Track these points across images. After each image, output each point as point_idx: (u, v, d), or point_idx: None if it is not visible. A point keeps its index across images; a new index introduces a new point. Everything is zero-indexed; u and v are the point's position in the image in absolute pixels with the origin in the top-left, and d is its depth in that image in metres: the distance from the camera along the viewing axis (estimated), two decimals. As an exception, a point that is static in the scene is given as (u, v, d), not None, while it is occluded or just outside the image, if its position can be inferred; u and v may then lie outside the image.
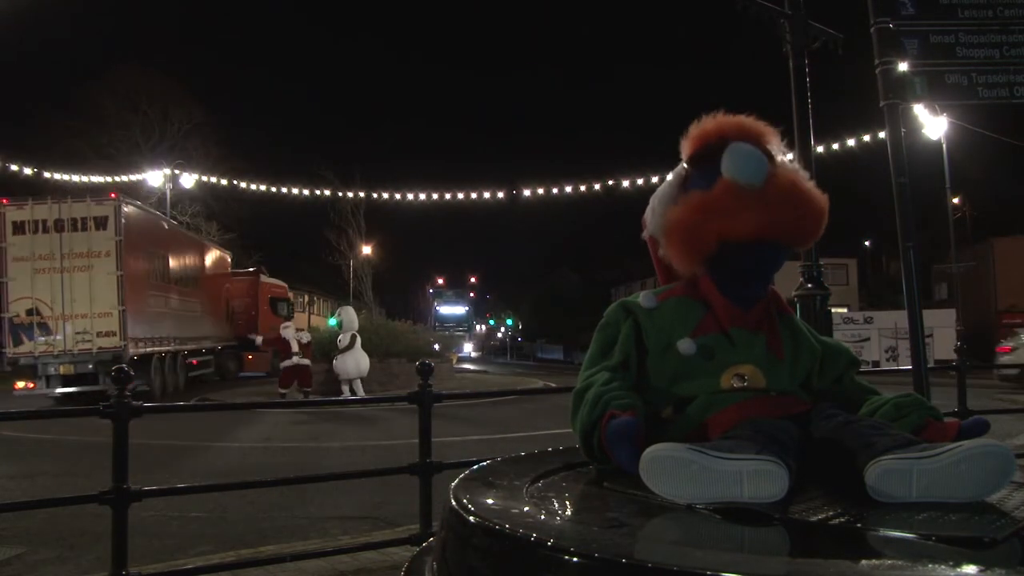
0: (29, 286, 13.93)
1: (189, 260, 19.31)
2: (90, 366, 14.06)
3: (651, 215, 1.71)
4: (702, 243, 1.53)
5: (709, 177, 1.56)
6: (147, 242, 16.05)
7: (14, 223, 13.85)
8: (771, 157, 1.60)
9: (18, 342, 13.96)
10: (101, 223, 14.08)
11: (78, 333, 14.02)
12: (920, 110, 16.59)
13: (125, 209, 14.59)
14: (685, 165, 1.69)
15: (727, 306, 1.55)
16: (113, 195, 14.85)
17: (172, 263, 17.69)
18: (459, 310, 51.99)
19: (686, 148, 1.68)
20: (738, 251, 1.51)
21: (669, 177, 1.73)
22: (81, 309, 14.00)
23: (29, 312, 13.92)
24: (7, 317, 13.89)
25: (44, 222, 13.85)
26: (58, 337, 13.97)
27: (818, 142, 6.59)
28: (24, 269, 13.88)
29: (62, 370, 14.09)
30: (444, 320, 50.33)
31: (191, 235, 22.20)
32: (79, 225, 13.97)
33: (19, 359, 14.07)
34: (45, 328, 14.00)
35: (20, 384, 14.50)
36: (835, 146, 18.90)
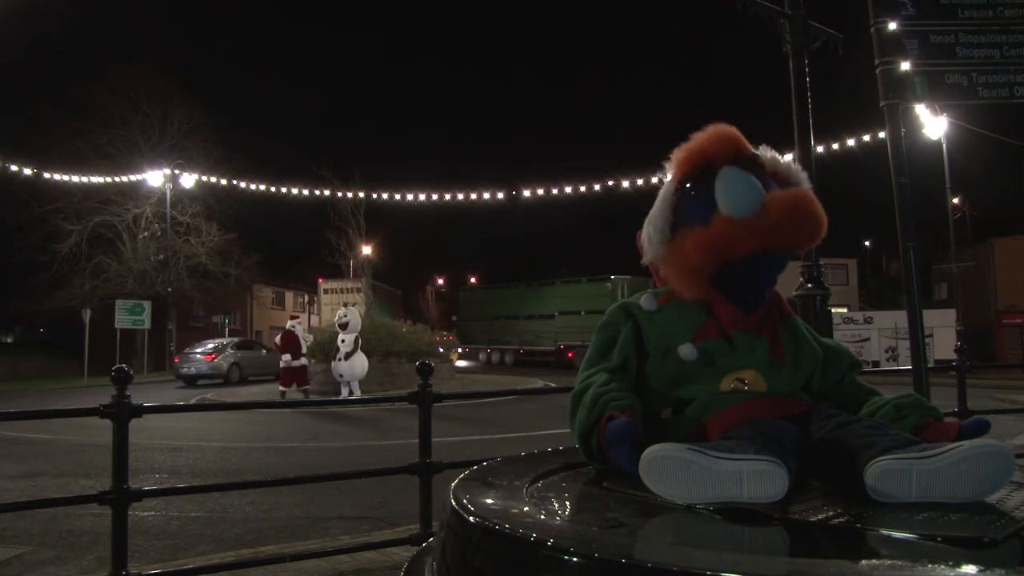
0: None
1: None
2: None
3: (647, 242, 1.68)
4: (706, 272, 1.55)
5: (703, 205, 1.54)
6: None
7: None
8: (763, 172, 1.57)
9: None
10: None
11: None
12: (920, 110, 16.58)
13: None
14: (675, 185, 1.65)
15: (729, 309, 1.55)
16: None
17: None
18: None
19: (674, 171, 1.65)
20: (740, 266, 1.52)
21: (659, 199, 1.69)
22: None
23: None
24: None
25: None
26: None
27: (818, 142, 6.59)
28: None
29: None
30: None
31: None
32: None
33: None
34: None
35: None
36: (835, 146, 18.89)
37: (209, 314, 40.10)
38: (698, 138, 1.63)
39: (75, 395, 19.66)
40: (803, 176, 1.66)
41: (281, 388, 15.11)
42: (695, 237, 1.54)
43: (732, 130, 1.63)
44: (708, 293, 1.57)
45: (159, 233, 33.56)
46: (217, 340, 25.86)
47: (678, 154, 1.64)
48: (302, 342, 15.11)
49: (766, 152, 1.65)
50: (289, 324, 15.64)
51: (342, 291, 28.53)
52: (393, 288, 33.22)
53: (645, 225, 1.70)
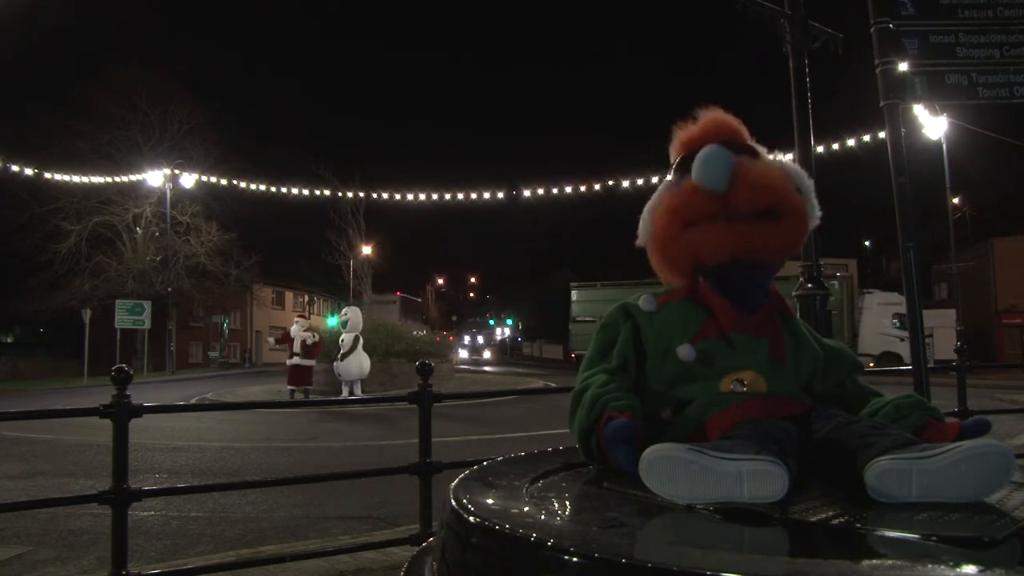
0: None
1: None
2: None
3: (642, 226, 1.72)
4: (677, 254, 1.56)
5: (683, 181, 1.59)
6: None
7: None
8: (754, 154, 1.60)
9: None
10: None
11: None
12: (920, 110, 16.57)
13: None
14: (672, 168, 1.70)
15: (728, 310, 1.54)
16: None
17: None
18: None
19: (672, 155, 1.70)
20: (718, 272, 1.53)
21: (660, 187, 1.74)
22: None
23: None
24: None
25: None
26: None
27: (818, 142, 6.58)
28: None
29: None
30: None
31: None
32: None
33: None
34: None
35: None
36: (835, 146, 18.88)
37: (209, 314, 40.11)
38: (695, 123, 1.68)
39: (75, 395, 19.66)
40: (803, 175, 1.66)
41: (289, 386, 15.10)
42: (664, 201, 1.60)
43: (728, 117, 1.67)
44: (707, 294, 1.57)
45: (159, 233, 33.57)
46: None
47: (678, 136, 1.69)
48: (296, 342, 15.09)
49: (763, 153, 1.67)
50: (294, 323, 15.68)
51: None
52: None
53: (644, 210, 1.73)
